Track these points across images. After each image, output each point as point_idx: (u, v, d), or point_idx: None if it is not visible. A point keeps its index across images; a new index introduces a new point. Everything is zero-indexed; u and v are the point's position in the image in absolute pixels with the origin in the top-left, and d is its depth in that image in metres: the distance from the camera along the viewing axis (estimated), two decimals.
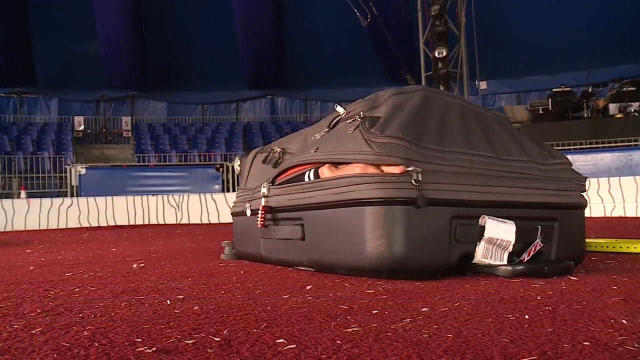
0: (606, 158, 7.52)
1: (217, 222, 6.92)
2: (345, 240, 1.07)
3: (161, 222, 6.96)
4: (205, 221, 7.02)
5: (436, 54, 9.56)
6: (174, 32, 14.29)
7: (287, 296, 0.97)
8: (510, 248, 1.03)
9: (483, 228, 1.01)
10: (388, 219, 0.99)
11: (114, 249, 2.56)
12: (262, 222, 1.38)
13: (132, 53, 13.98)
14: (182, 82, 14.67)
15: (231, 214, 1.69)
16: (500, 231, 1.00)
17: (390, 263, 1.00)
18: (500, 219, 1.02)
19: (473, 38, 10.00)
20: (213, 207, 7.07)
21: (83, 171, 8.22)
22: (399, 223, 0.99)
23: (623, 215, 5.84)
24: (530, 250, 1.08)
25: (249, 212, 1.48)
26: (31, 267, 1.79)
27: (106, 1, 13.32)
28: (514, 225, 1.02)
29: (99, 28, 13.68)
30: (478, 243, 1.02)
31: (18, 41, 13.48)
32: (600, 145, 8.54)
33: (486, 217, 1.01)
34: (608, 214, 5.92)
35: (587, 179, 4.77)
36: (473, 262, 1.04)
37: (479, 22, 10.00)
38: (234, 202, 1.70)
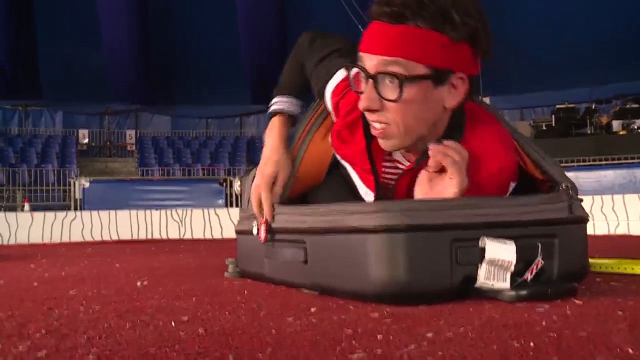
0: (610, 175, 7.52)
1: (220, 237, 6.92)
2: (348, 266, 1.08)
3: (164, 236, 6.97)
4: (208, 236, 7.02)
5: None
6: (179, 46, 14.42)
7: (291, 318, 0.97)
8: (512, 268, 1.04)
9: (483, 249, 1.02)
10: (390, 246, 1.00)
11: (117, 265, 2.56)
12: (265, 236, 1.37)
13: (137, 67, 14.11)
14: (187, 96, 14.77)
15: (235, 232, 1.70)
16: (501, 251, 1.01)
17: (393, 289, 1.00)
18: (500, 239, 1.03)
19: None
20: (216, 222, 7.08)
21: (87, 185, 8.25)
22: (401, 249, 1.00)
23: (627, 233, 5.82)
24: (532, 268, 1.08)
25: (255, 230, 1.48)
26: (35, 284, 1.79)
27: (113, 15, 13.47)
28: (514, 245, 1.03)
29: (105, 41, 13.82)
30: (480, 265, 1.02)
31: (24, 53, 13.63)
32: (603, 162, 8.54)
33: (485, 238, 1.02)
34: (612, 232, 5.90)
35: (592, 197, 4.73)
36: (476, 285, 1.04)
37: None
38: (238, 220, 1.70)
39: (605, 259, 1.90)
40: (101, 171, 13.04)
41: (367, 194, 1.36)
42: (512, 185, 1.26)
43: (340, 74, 1.37)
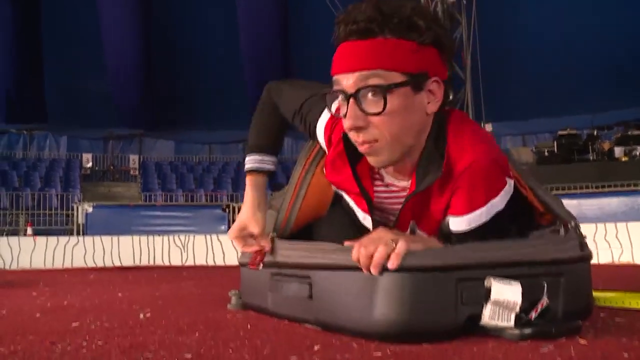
0: (613, 202, 7.51)
1: (223, 263, 6.90)
2: (353, 304, 1.08)
3: (166, 262, 6.95)
4: (210, 262, 7.00)
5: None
6: (182, 72, 14.56)
7: (294, 357, 0.96)
8: (517, 309, 1.03)
9: (489, 290, 1.02)
10: (396, 285, 1.01)
11: (119, 294, 2.56)
12: (256, 264, 1.41)
13: (141, 92, 14.24)
14: (190, 120, 14.86)
15: (239, 263, 1.70)
16: (506, 292, 1.01)
17: (397, 328, 1.00)
18: (506, 280, 1.03)
19: (478, 80, 10.14)
20: (219, 248, 7.07)
21: (90, 210, 8.27)
22: (406, 289, 1.00)
23: (631, 262, 5.78)
24: (537, 307, 1.08)
25: (260, 266, 1.49)
26: (37, 315, 1.79)
27: (117, 40, 13.64)
28: (520, 286, 1.03)
29: (110, 67, 13.97)
30: (484, 305, 1.02)
31: (31, 80, 13.77)
32: (606, 190, 8.53)
33: (492, 278, 1.02)
34: (616, 260, 5.86)
35: (595, 225, 4.71)
36: (480, 324, 1.04)
37: (484, 64, 10.15)
38: (242, 252, 1.70)
39: (609, 292, 1.89)
40: (104, 195, 13.06)
41: (365, 219, 1.37)
42: (509, 181, 1.22)
43: (327, 112, 1.38)
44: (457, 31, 10.10)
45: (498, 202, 1.19)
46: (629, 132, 10.52)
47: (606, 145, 10.73)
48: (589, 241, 1.31)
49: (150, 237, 7.10)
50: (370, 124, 1.13)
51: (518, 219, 1.29)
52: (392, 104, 1.12)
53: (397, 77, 1.12)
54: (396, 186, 1.32)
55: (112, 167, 14.73)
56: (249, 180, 1.57)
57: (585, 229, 1.35)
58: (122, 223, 8.16)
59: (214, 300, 2.11)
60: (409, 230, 1.28)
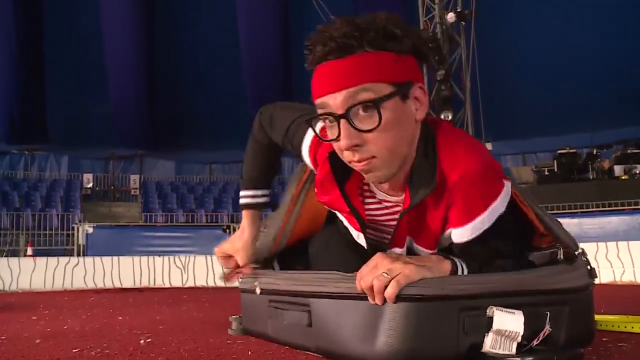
0: (613, 221, 7.50)
1: (223, 284, 6.85)
2: (354, 332, 1.08)
3: (167, 283, 6.92)
4: (211, 283, 6.97)
5: (442, 118, 9.73)
6: (184, 92, 14.63)
7: None
8: (519, 339, 1.03)
9: (491, 319, 1.01)
10: (399, 314, 1.01)
11: (120, 318, 2.55)
12: (230, 276, 1.52)
13: (143, 112, 14.29)
14: (191, 141, 14.88)
15: (239, 290, 1.70)
16: (508, 322, 1.01)
17: (401, 357, 1.00)
18: (509, 310, 1.02)
19: (478, 101, 10.18)
20: (219, 269, 7.03)
21: (91, 230, 8.25)
22: (410, 318, 1.00)
23: (633, 280, 5.76)
24: (539, 336, 1.08)
25: (258, 291, 1.49)
26: (37, 340, 1.78)
27: (120, 60, 13.72)
28: (522, 316, 1.03)
29: (112, 88, 14.04)
30: (486, 334, 1.02)
31: (34, 102, 13.84)
32: (607, 209, 8.52)
33: (494, 308, 1.02)
34: (618, 279, 5.84)
35: (596, 244, 4.69)
36: (482, 351, 1.04)
37: (484, 84, 10.20)
38: (241, 278, 1.71)
39: (612, 316, 1.88)
40: (105, 215, 13.04)
41: (359, 237, 1.35)
42: (506, 183, 1.19)
43: (310, 132, 1.38)
44: (456, 52, 10.17)
45: (499, 205, 1.17)
46: (628, 151, 10.54)
47: (606, 164, 10.74)
48: (591, 261, 1.31)
49: (151, 258, 7.08)
50: (365, 141, 1.10)
51: (518, 234, 1.27)
52: (386, 116, 1.09)
53: (386, 89, 1.09)
54: (389, 201, 1.30)
55: (112, 187, 14.74)
56: (244, 214, 1.65)
57: (587, 248, 1.35)
58: (123, 243, 8.15)
59: (214, 324, 2.10)
60: (404, 247, 1.27)
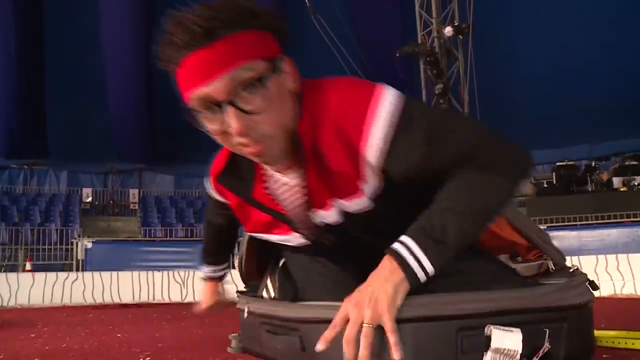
0: (613, 234, 7.49)
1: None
2: None
3: (166, 298, 6.89)
4: None
5: None
6: (183, 105, 14.64)
7: None
8: (518, 357, 1.03)
9: (489, 338, 1.02)
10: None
11: (119, 335, 2.54)
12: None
13: (142, 127, 14.30)
14: (190, 155, 14.88)
15: (237, 308, 1.70)
16: (507, 341, 1.01)
17: None
18: (507, 328, 1.02)
19: (476, 114, 10.22)
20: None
21: (90, 245, 8.24)
22: (407, 339, 1.00)
23: (634, 293, 5.74)
24: (539, 354, 1.08)
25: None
26: None
27: (119, 75, 13.76)
28: (521, 334, 1.03)
29: (112, 102, 14.07)
30: (485, 353, 1.02)
31: (33, 116, 13.86)
32: (606, 221, 8.52)
33: (492, 327, 1.02)
34: (618, 292, 5.82)
35: (596, 256, 4.67)
36: None
37: (482, 98, 10.25)
38: (238, 297, 1.72)
39: (612, 332, 1.88)
40: (104, 230, 13.02)
41: (298, 238, 1.29)
42: (383, 85, 1.11)
43: (207, 179, 1.49)
44: (454, 66, 10.22)
45: (386, 104, 1.07)
46: (627, 163, 10.56)
47: (605, 176, 10.76)
48: (591, 273, 1.32)
49: (150, 273, 7.05)
50: (256, 122, 1.04)
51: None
52: (272, 93, 1.05)
53: (263, 66, 1.04)
54: (290, 182, 1.23)
55: (112, 202, 14.73)
56: (205, 283, 1.91)
57: (586, 260, 1.36)
58: (122, 258, 8.13)
59: (214, 342, 2.10)
60: (332, 209, 1.19)
